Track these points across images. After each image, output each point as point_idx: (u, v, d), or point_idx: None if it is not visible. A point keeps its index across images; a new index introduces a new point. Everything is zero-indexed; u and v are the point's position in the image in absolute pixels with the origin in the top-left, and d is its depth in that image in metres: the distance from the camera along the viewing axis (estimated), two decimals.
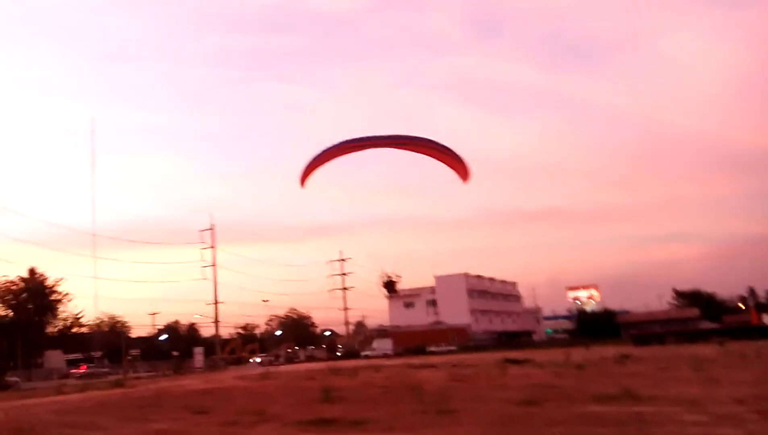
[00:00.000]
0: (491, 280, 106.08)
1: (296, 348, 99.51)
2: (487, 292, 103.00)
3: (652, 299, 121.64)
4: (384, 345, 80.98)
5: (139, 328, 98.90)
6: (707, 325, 65.71)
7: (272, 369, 41.35)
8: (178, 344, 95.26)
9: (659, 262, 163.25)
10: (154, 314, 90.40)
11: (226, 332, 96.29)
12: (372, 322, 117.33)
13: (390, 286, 27.72)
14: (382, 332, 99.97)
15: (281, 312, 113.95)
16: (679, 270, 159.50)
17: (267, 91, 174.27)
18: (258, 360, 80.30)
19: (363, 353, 77.78)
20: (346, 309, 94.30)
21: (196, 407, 16.53)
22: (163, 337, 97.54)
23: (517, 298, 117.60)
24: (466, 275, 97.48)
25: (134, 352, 79.91)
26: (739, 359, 24.48)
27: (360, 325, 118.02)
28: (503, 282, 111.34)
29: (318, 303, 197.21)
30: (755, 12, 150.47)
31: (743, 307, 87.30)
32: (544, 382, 18.22)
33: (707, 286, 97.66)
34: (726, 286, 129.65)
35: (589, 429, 8.54)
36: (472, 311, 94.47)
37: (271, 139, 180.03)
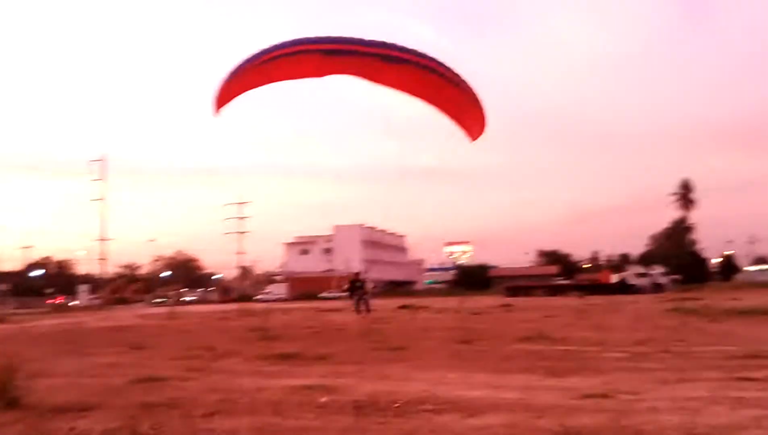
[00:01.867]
0: (383, 232, 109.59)
1: (185, 290, 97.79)
2: (379, 243, 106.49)
3: (518, 256, 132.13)
4: (278, 289, 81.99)
5: (10, 262, 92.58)
6: (564, 281, 74.15)
7: (177, 309, 40.87)
8: (53, 281, 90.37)
9: (525, 222, 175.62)
10: (27, 248, 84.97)
11: (107, 271, 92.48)
12: (267, 268, 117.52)
13: None
14: (273, 277, 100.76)
15: (169, 253, 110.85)
16: (541, 230, 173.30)
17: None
18: (159, 300, 78.12)
19: (256, 297, 78.25)
20: (241, 253, 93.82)
21: (130, 343, 16.14)
22: (36, 272, 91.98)
23: (404, 250, 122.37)
24: (362, 226, 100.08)
25: (1, 286, 74.66)
26: (603, 309, 28.43)
27: (246, 269, 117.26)
28: (393, 234, 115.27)
29: (210, 246, 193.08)
30: None
31: (591, 267, 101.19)
32: (459, 325, 20.16)
33: (564, 247, 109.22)
34: (577, 248, 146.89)
35: (543, 363, 10.18)
36: (365, 260, 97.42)
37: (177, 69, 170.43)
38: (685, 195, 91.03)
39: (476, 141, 13.60)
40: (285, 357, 11.93)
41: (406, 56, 12.08)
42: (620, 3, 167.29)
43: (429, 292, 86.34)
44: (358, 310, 25.57)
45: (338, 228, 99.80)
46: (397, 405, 6.76)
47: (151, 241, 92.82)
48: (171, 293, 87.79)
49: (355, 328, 19.74)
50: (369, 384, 8.29)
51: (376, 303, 45.87)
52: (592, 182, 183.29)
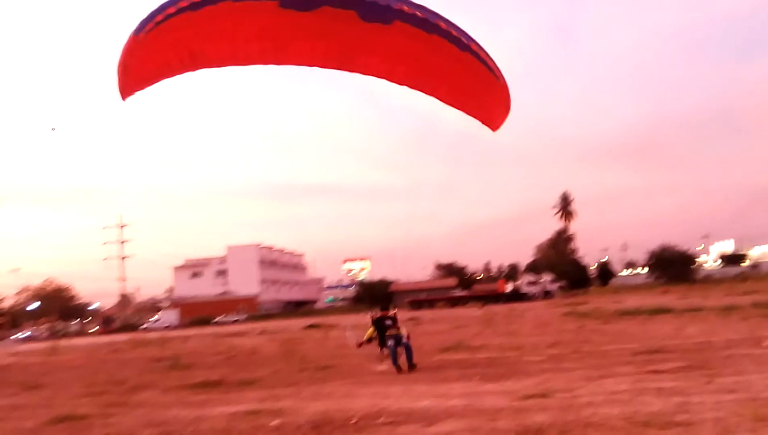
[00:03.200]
0: (281, 251, 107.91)
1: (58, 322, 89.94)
2: (277, 263, 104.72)
3: (416, 270, 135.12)
4: (169, 316, 77.99)
5: None
6: (463, 292, 76.53)
7: (58, 343, 37.84)
8: None
9: (420, 238, 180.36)
10: None
11: None
12: (151, 294, 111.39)
13: None
14: (158, 303, 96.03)
15: (37, 282, 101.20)
16: (434, 244, 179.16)
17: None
18: (25, 334, 71.62)
19: (143, 326, 74.02)
20: (122, 279, 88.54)
21: (19, 383, 15.02)
22: None
23: (303, 268, 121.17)
24: (258, 246, 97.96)
25: None
26: (505, 317, 29.83)
27: (128, 296, 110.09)
28: (291, 253, 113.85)
29: (85, 273, 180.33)
30: None
31: (484, 278, 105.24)
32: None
33: (459, 260, 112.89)
34: (471, 259, 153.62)
35: (474, 370, 10.53)
36: (262, 281, 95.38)
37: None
38: (565, 207, 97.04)
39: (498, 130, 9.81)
40: (207, 385, 11.64)
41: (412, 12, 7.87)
42: (497, 37, 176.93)
43: (332, 310, 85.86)
44: (397, 365, 11.75)
45: (232, 248, 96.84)
46: (354, 421, 6.80)
47: (15, 270, 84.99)
48: (41, 327, 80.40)
49: (269, 352, 19.38)
50: (314, 404, 8.26)
51: (280, 324, 45.27)
52: (481, 197, 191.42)
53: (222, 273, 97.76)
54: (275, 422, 7.10)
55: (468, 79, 8.81)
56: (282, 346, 21.11)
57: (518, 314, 32.33)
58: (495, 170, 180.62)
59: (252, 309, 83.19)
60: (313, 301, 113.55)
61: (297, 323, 39.68)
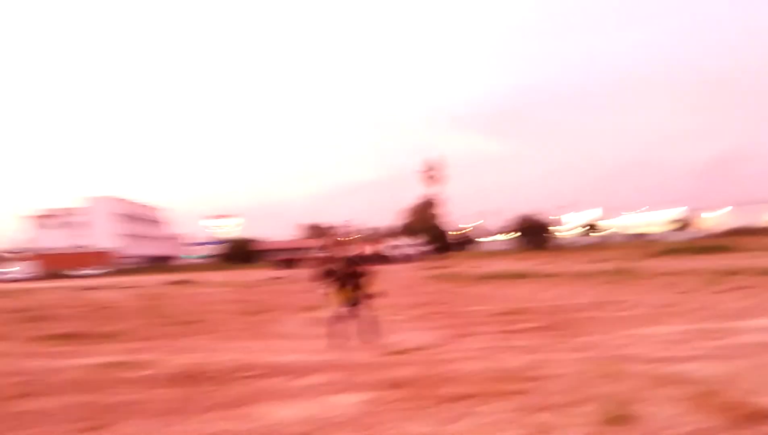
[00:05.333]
0: (142, 205, 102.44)
1: None
2: (137, 217, 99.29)
3: (280, 229, 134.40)
4: (24, 267, 71.93)
5: None
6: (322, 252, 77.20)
7: None
8: None
9: (287, 197, 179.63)
10: None
11: None
12: (7, 243, 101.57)
13: None
14: (9, 254, 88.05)
15: None
16: (301, 204, 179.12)
17: None
18: None
19: None
20: None
21: None
22: None
23: (163, 223, 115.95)
24: (117, 199, 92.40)
25: None
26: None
27: None
28: (153, 208, 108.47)
29: None
30: None
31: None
32: (239, 298, 19.93)
33: (324, 221, 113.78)
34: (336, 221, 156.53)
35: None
36: (121, 235, 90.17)
37: None
38: (430, 173, 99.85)
39: None
40: (66, 337, 11.06)
41: None
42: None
43: (193, 267, 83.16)
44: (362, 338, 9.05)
45: (91, 200, 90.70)
46: (217, 375, 6.59)
47: None
48: None
49: (131, 306, 18.39)
50: (177, 357, 7.94)
51: (141, 279, 43.01)
52: (348, 158, 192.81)
53: (80, 225, 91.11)
54: (139, 374, 6.73)
55: None
56: (144, 301, 20.18)
57: (382, 276, 32.91)
58: (366, 133, 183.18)
59: (112, 263, 78.68)
60: (175, 257, 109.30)
61: (159, 279, 37.95)
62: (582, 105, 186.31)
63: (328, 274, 8.81)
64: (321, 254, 72.76)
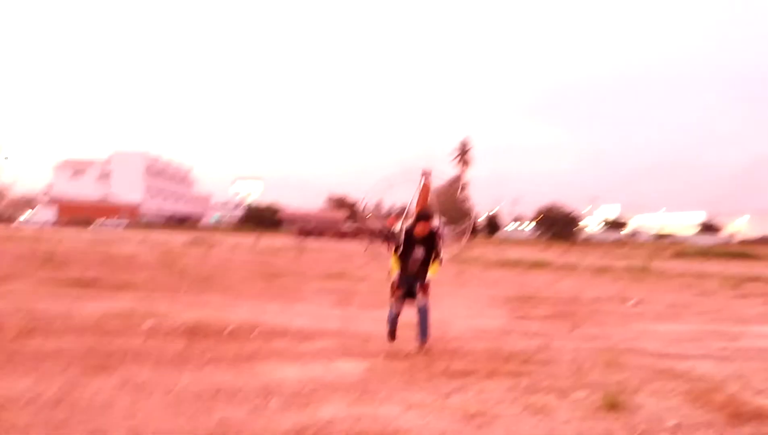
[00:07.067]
0: (170, 163, 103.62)
1: None
2: (164, 173, 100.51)
3: (310, 199, 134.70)
4: (45, 214, 73.39)
5: None
6: (351, 226, 77.37)
7: None
8: None
9: (317, 170, 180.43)
10: None
11: None
12: (31, 190, 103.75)
13: None
14: (35, 200, 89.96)
15: None
16: (330, 175, 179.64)
17: None
18: None
19: (19, 220, 69.20)
20: None
21: None
22: None
23: (191, 183, 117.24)
24: (145, 154, 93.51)
25: None
26: (390, 255, 30.44)
27: (1, 190, 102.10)
28: (180, 166, 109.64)
29: None
30: None
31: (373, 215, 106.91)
32: (256, 261, 20.10)
33: (352, 195, 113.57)
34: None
35: (355, 298, 10.64)
36: (146, 191, 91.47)
37: None
38: (463, 154, 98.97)
39: None
40: (81, 283, 11.19)
41: None
42: None
43: (216, 229, 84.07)
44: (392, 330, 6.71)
45: (118, 154, 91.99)
46: (228, 331, 6.70)
47: None
48: None
49: (147, 259, 18.65)
50: (189, 310, 8.07)
51: (162, 236, 43.61)
52: (378, 139, 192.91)
53: (105, 176, 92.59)
54: (148, 323, 6.86)
55: None
56: (163, 256, 20.42)
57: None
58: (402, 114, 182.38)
59: (134, 217, 79.92)
60: (199, 218, 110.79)
61: (180, 237, 38.44)
62: (619, 98, 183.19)
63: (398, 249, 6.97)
64: (351, 227, 73.02)
